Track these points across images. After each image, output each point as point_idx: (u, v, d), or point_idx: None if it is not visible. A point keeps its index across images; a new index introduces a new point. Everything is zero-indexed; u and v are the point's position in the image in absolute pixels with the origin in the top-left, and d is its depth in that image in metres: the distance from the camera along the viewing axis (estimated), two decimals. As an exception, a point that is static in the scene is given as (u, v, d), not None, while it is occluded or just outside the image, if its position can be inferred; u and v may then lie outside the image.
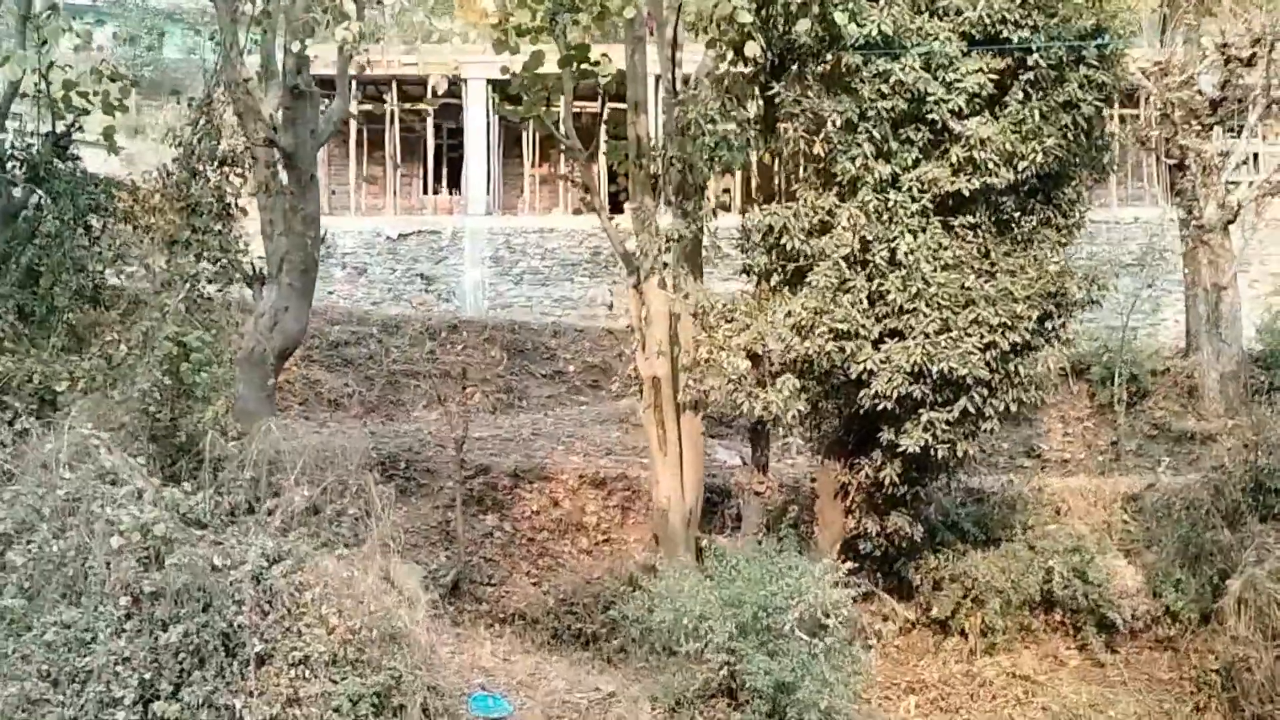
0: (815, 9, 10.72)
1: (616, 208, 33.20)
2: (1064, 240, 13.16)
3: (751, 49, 10.91)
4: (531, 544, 16.40)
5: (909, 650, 14.22)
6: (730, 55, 12.32)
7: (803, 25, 10.84)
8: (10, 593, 9.55)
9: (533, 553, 16.24)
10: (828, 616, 10.64)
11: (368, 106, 31.81)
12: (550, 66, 14.49)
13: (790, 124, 11.89)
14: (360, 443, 12.29)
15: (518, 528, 16.61)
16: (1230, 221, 21.09)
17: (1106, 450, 20.84)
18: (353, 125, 31.65)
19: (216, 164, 12.40)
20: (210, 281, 12.30)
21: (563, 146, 15.54)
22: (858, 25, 11.26)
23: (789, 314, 11.87)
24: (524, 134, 33.16)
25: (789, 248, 11.91)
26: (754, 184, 14.12)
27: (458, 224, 32.43)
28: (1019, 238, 12.64)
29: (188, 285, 11.86)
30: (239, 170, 12.52)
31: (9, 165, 14.19)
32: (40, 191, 14.60)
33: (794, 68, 12.03)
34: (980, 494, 16.01)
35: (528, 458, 18.92)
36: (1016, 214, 12.65)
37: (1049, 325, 12.75)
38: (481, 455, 18.78)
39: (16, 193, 14.77)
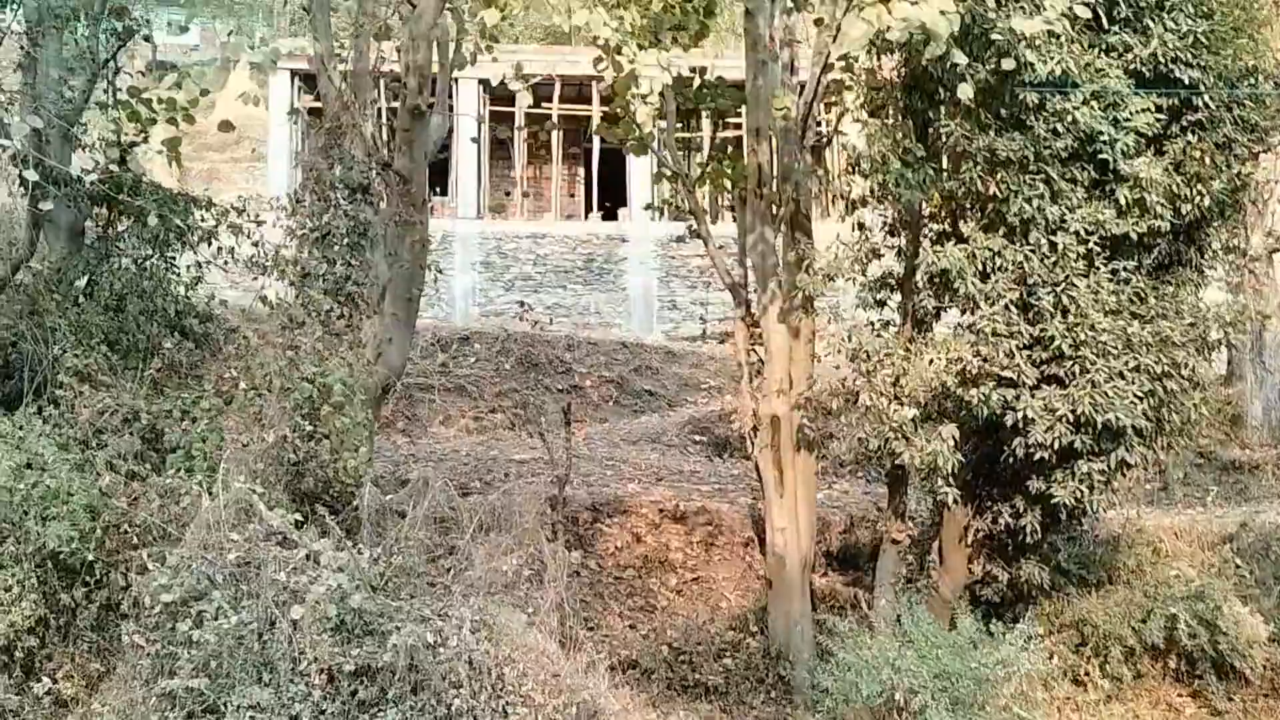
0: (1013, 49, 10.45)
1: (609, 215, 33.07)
2: (1202, 282, 13.15)
3: (965, 90, 10.61)
4: (619, 583, 15.96)
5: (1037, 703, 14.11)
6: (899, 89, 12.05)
7: (1008, 64, 10.59)
8: (188, 671, 8.85)
9: (621, 592, 15.80)
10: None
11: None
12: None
13: (967, 162, 11.63)
14: (534, 500, 11.70)
15: (603, 565, 16.15)
16: (1276, 250, 21.49)
17: (1154, 479, 21.08)
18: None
19: (349, 191, 11.70)
20: (340, 317, 11.61)
21: (666, 171, 15.12)
22: (1042, 63, 11.04)
23: (956, 359, 11.62)
24: (513, 137, 32.59)
25: (961, 291, 11.66)
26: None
27: (448, 228, 31.70)
28: (1170, 280, 12.60)
29: (323, 321, 11.16)
30: (370, 199, 11.83)
31: (79, 179, 13.29)
32: (109, 209, 13.78)
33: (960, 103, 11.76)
34: (1073, 533, 15.99)
35: (586, 485, 18.43)
36: (1169, 257, 12.59)
37: (1190, 369, 12.71)
38: (540, 483, 18.24)
39: (77, 211, 13.90)
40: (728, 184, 15.27)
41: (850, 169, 13.18)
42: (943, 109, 12.20)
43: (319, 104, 31.05)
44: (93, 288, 13.11)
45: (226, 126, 16.68)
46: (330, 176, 11.74)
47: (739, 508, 17.57)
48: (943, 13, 9.34)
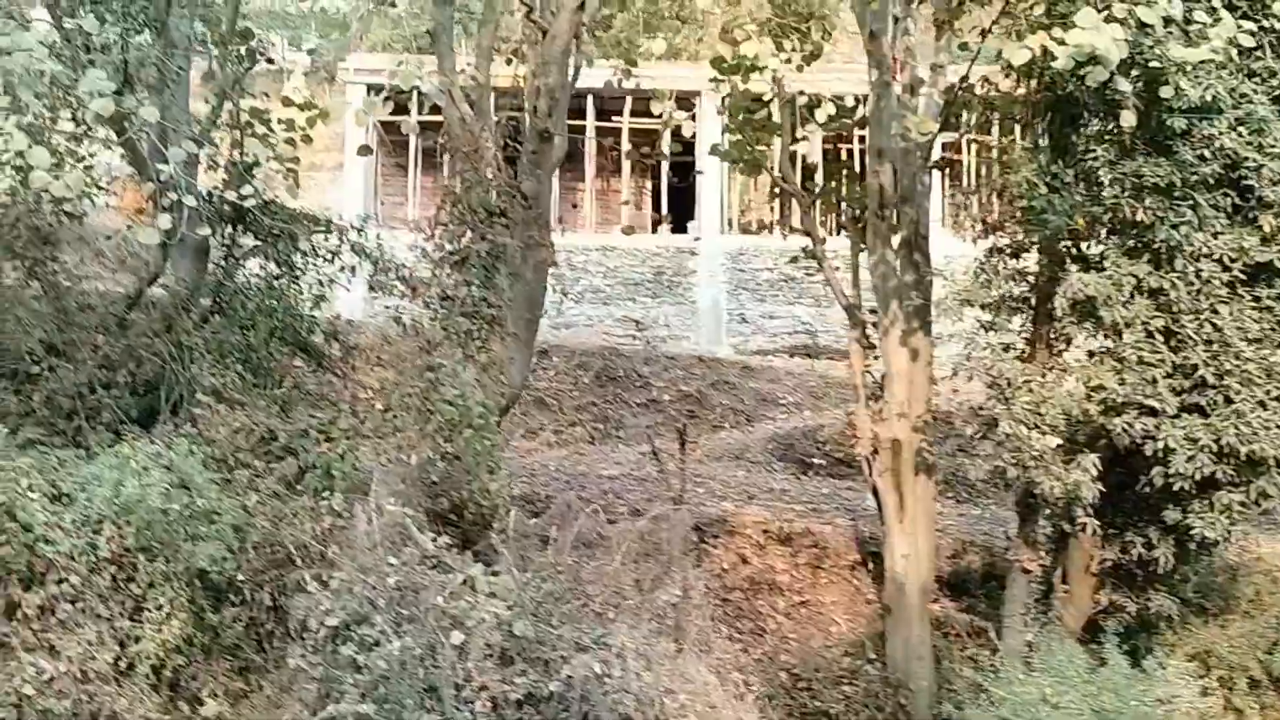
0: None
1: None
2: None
3: (1128, 118, 10.55)
4: (727, 605, 15.91)
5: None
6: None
7: (1166, 91, 10.52)
8: (354, 696, 8.91)
9: (730, 614, 15.75)
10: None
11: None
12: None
13: (1113, 187, 11.54)
14: (680, 525, 11.70)
15: (710, 587, 16.09)
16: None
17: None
18: (412, 138, 31.01)
19: (486, 214, 11.76)
20: (475, 338, 11.67)
21: (782, 190, 15.11)
22: (1194, 89, 10.96)
23: (1098, 387, 11.53)
24: (582, 148, 32.66)
25: (1107, 319, 11.57)
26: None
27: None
28: (1309, 308, 12.42)
29: (461, 343, 11.22)
30: (505, 222, 11.89)
31: (210, 199, 13.41)
32: (233, 228, 13.89)
33: (1109, 128, 11.70)
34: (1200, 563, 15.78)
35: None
36: (1307, 284, 12.44)
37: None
38: (636, 498, 18.27)
39: (203, 230, 14.02)
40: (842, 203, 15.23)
41: (978, 190, 13.12)
42: (1084, 133, 12.11)
43: (393, 118, 31.25)
44: (221, 307, 13.22)
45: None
46: (467, 199, 11.80)
47: (840, 529, 17.52)
48: (1115, 40, 9.29)
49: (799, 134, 15.92)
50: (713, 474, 21.50)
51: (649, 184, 35.78)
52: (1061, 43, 9.68)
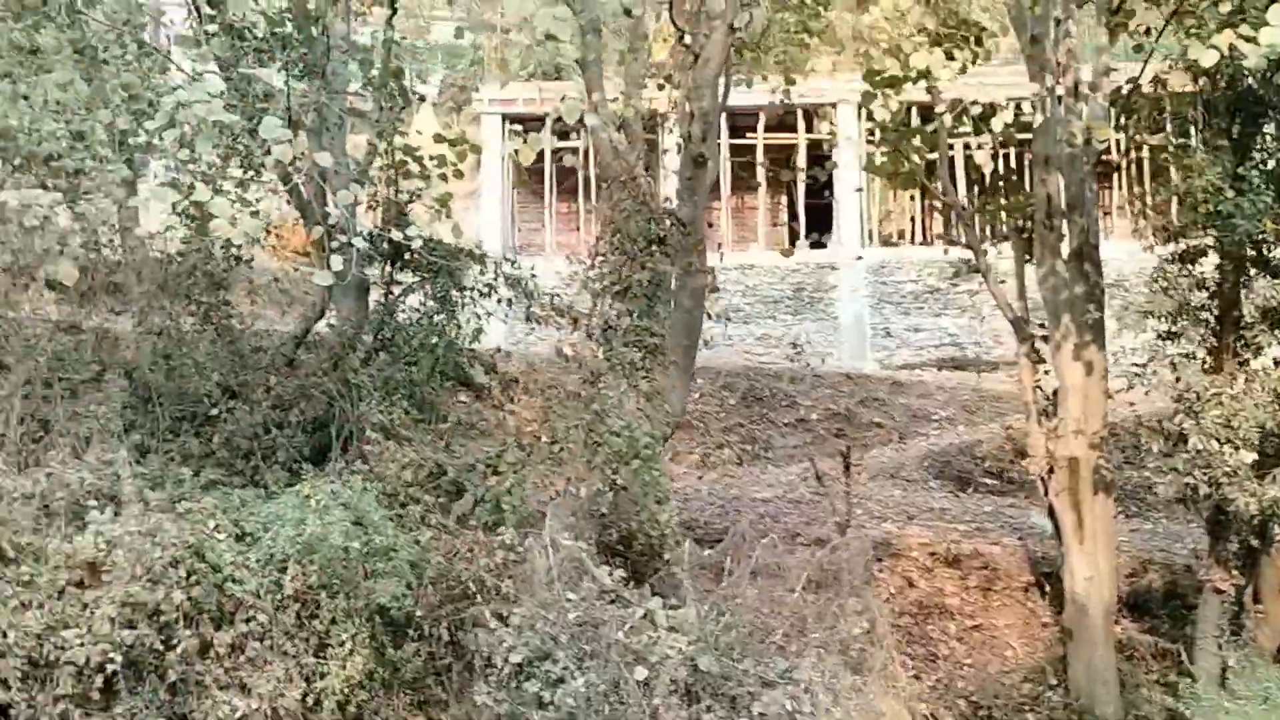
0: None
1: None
2: None
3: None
4: (897, 630, 15.54)
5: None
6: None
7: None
8: (542, 732, 8.91)
9: (900, 640, 15.38)
10: None
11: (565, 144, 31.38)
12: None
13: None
14: (862, 553, 11.50)
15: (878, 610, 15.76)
16: None
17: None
18: (546, 164, 31.38)
19: (646, 243, 11.75)
20: (638, 368, 11.63)
21: (941, 202, 14.76)
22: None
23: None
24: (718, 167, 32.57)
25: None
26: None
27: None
28: None
29: (625, 374, 11.20)
30: (665, 250, 11.86)
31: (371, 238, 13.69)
32: (391, 265, 14.15)
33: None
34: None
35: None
36: None
37: None
38: (793, 522, 18.03)
39: (366, 269, 14.32)
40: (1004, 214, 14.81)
41: (1142, 195, 12.59)
42: (1267, 132, 11.53)
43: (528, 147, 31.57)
44: (384, 344, 13.48)
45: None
46: (627, 228, 11.80)
47: (1009, 549, 17.01)
48: (1313, 35, 8.80)
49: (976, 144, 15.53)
50: (869, 493, 21.10)
51: (784, 200, 35.56)
52: (1253, 40, 9.21)
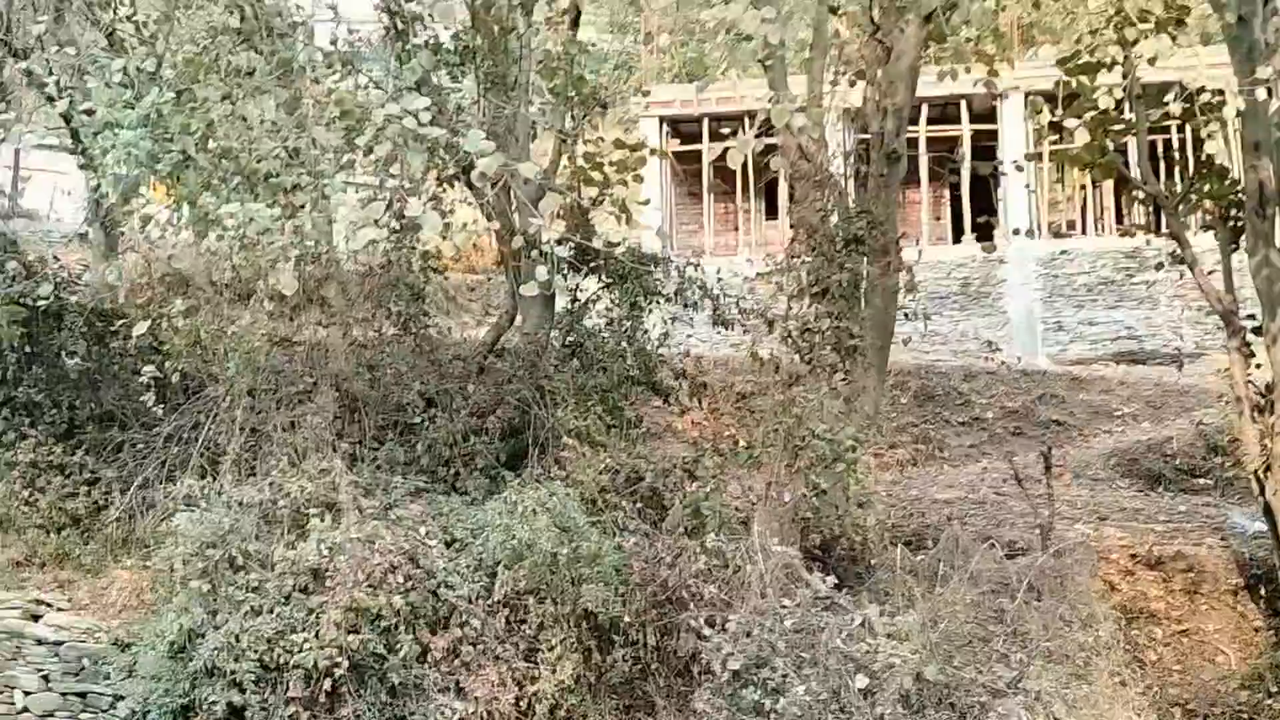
0: None
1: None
2: None
3: None
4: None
5: None
6: None
7: None
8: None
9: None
10: None
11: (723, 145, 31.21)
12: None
13: None
14: (1088, 559, 11.18)
15: (1078, 616, 15.25)
16: None
17: None
18: (704, 166, 31.36)
19: (844, 243, 11.62)
20: (836, 370, 11.49)
21: (1139, 193, 14.22)
22: None
23: None
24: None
25: None
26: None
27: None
28: None
29: (825, 377, 11.08)
30: (862, 250, 11.70)
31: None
32: (575, 272, 14.26)
33: None
34: None
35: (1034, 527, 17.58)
36: None
37: None
38: (981, 524, 17.58)
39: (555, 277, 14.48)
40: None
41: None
42: None
43: (684, 147, 31.65)
44: (574, 350, 13.62)
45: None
46: (824, 229, 11.68)
47: (1212, 550, 16.27)
48: None
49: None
50: (1057, 494, 20.45)
51: (947, 193, 34.84)
52: None
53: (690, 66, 38.06)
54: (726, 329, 14.15)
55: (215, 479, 11.71)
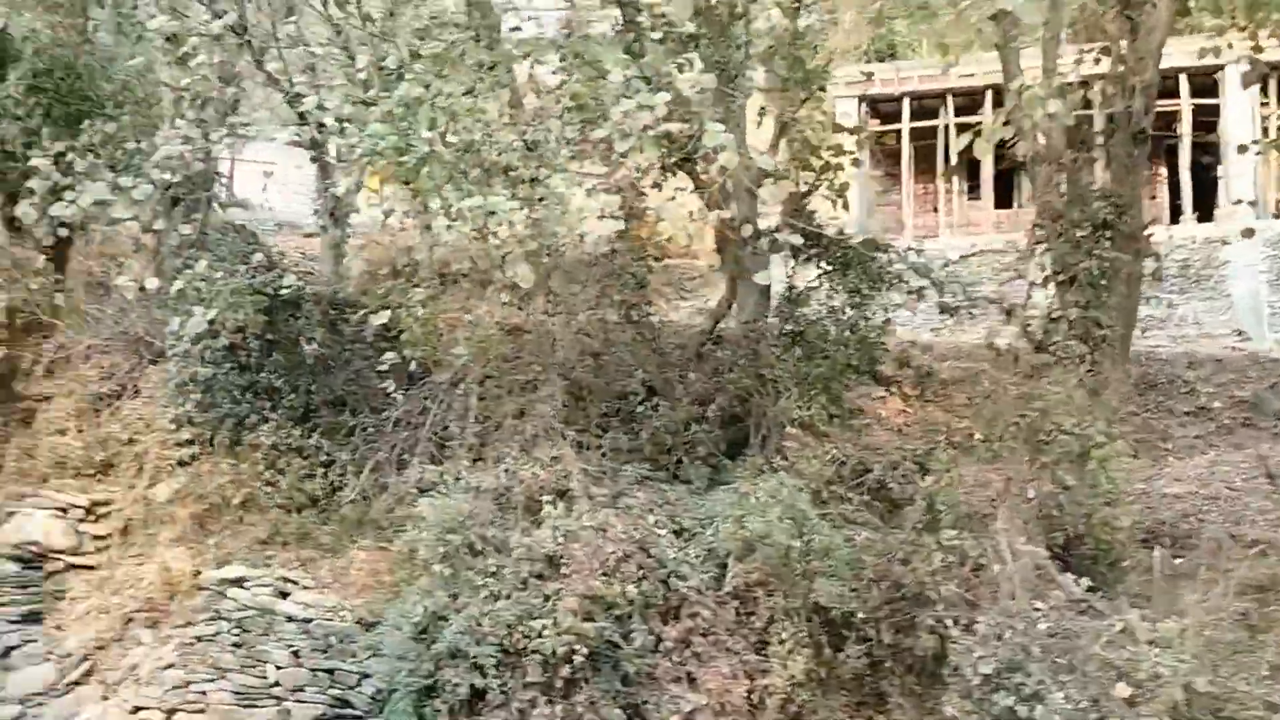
0: None
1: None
2: None
3: None
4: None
5: None
6: None
7: None
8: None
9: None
10: None
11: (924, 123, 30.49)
12: None
13: None
14: None
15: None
16: None
17: None
18: (905, 143, 30.62)
19: (1092, 229, 11.09)
20: (1082, 361, 10.98)
21: None
22: None
23: None
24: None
25: None
26: None
27: (1021, 241, 30.21)
28: None
29: (1072, 368, 10.59)
30: (1111, 235, 11.14)
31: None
32: (794, 259, 14.05)
33: None
34: None
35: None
36: None
37: None
38: (1217, 521, 16.63)
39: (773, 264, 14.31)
40: None
41: None
42: None
43: (885, 127, 30.93)
44: (795, 338, 13.42)
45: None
46: (1070, 214, 11.17)
47: None
48: None
49: None
50: (1286, 488, 19.22)
51: (1164, 172, 33.18)
52: None
53: (878, 44, 37.19)
54: (951, 316, 13.73)
55: (447, 464, 11.98)
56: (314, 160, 15.91)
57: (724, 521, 10.92)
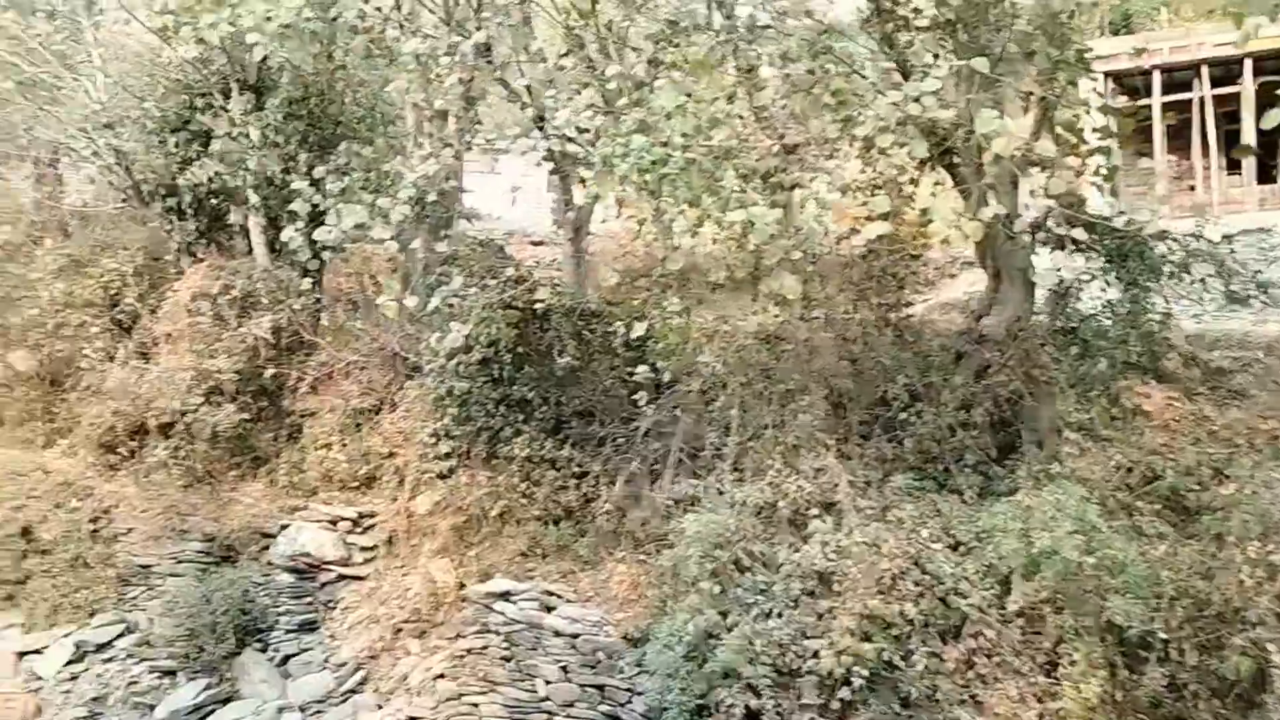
0: None
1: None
2: None
3: None
4: None
5: None
6: None
7: None
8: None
9: None
10: None
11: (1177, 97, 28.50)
12: None
13: None
14: None
15: None
16: None
17: None
18: (1156, 120, 28.67)
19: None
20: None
21: None
22: None
23: None
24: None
25: None
26: None
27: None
28: None
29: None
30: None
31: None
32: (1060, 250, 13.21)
33: None
34: None
35: None
36: None
37: None
38: None
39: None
40: None
41: None
42: None
43: (1133, 103, 29.13)
44: (1068, 335, 12.65)
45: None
46: None
47: None
48: None
49: None
50: None
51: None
52: None
53: (1114, 16, 35.22)
54: (1241, 305, 12.69)
55: (706, 477, 11.79)
56: (553, 173, 16.05)
57: (1005, 535, 10.33)
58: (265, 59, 15.59)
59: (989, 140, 9.35)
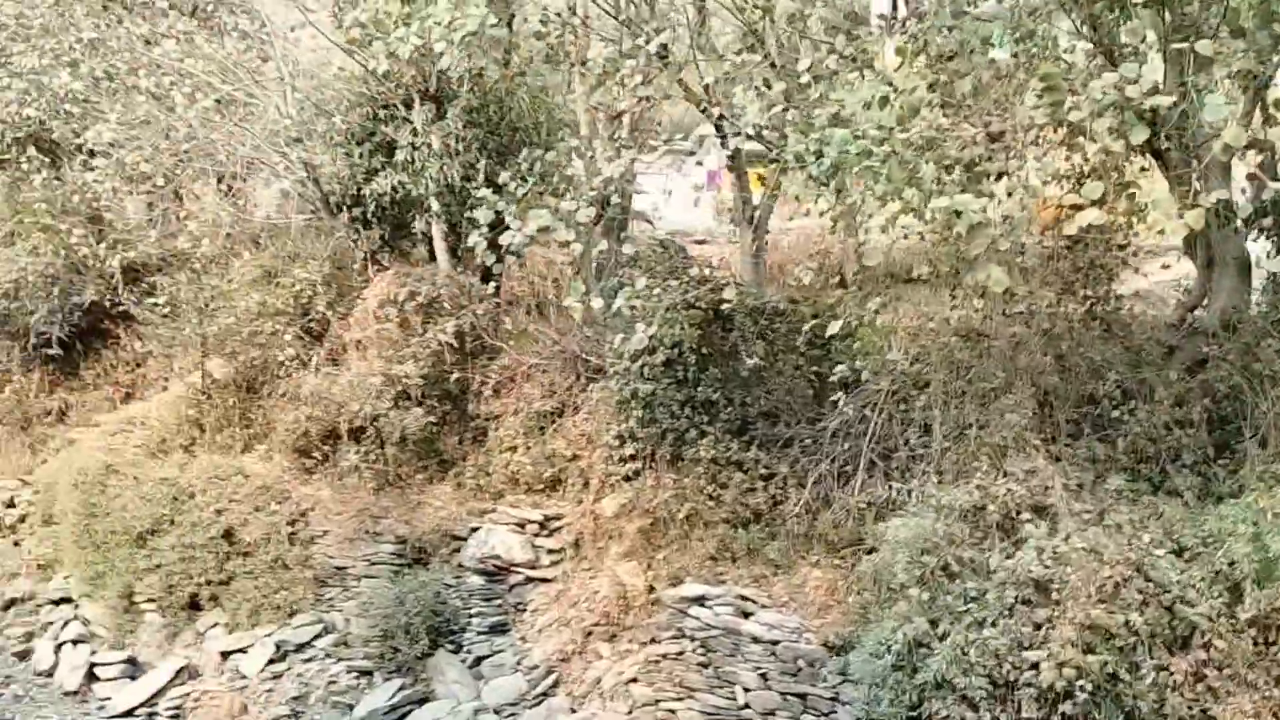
0: None
1: None
2: None
3: None
4: None
5: None
6: None
7: None
8: None
9: None
10: None
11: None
12: None
13: None
14: None
15: None
16: None
17: None
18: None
19: None
20: None
21: None
22: None
23: None
24: None
25: None
26: None
27: None
28: None
29: None
30: None
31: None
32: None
33: None
34: None
35: None
36: None
37: None
38: None
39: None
40: None
41: None
42: None
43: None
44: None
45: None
46: None
47: None
48: None
49: None
50: None
51: None
52: None
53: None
54: None
55: (909, 480, 11.44)
56: (730, 170, 15.85)
57: (1236, 539, 9.72)
58: (445, 69, 15.82)
59: (1214, 127, 8.79)
